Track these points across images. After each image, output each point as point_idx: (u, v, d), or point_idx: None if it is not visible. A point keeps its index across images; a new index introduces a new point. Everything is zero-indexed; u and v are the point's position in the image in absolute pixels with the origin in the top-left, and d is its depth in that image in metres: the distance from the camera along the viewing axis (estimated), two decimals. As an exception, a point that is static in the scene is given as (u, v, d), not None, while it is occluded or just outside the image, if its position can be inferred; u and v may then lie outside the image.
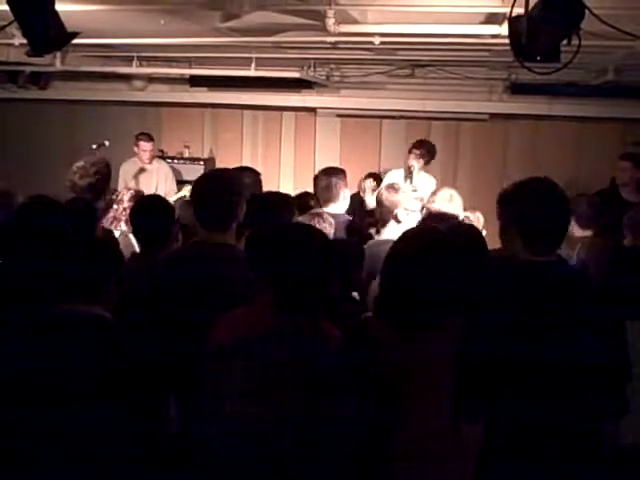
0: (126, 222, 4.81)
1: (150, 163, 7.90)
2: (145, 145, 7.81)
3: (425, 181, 6.59)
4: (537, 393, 2.53)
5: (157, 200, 4.32)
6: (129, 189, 5.58)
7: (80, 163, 4.77)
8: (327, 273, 2.52)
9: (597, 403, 2.59)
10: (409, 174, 6.30)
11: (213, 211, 3.27)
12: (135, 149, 7.85)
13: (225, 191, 3.30)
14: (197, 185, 3.47)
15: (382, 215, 4.53)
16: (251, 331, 2.47)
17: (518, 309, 2.56)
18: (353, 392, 2.47)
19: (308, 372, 2.42)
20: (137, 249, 4.29)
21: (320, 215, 4.39)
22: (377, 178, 7.15)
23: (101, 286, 2.78)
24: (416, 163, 6.56)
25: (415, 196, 5.03)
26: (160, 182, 7.92)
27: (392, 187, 4.65)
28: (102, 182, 4.73)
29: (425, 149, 6.81)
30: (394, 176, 6.67)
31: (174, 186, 7.93)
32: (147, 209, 4.08)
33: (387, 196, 4.52)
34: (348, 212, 5.21)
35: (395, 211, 4.44)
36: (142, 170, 7.81)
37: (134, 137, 7.91)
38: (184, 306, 3.11)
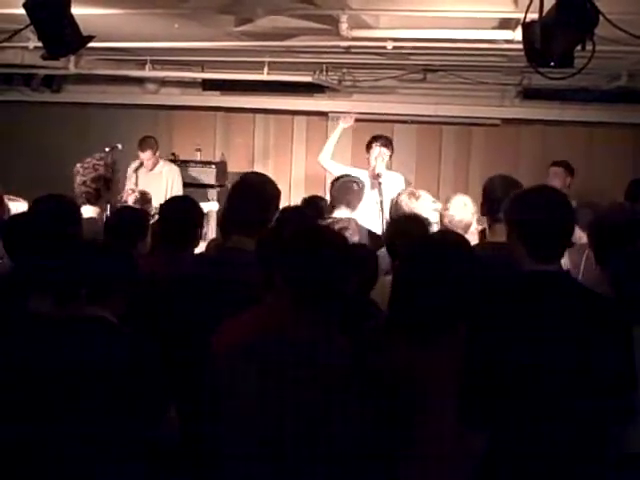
0: None
1: (152, 169, 7.66)
2: (141, 155, 7.52)
3: (393, 181, 6.26)
4: (541, 400, 2.52)
5: (186, 202, 4.30)
6: (133, 191, 5.57)
7: (84, 162, 4.73)
8: (341, 274, 2.52)
9: (604, 409, 2.58)
10: (378, 184, 5.94)
11: (244, 218, 3.28)
12: None
13: (256, 199, 3.31)
14: (233, 191, 3.50)
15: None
16: (263, 332, 2.47)
17: (521, 316, 2.55)
18: (364, 395, 2.47)
19: (319, 374, 2.42)
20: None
21: (344, 222, 4.41)
22: None
23: (109, 290, 2.78)
24: (382, 165, 6.17)
25: (434, 207, 5.04)
26: (168, 186, 7.79)
27: (413, 194, 4.66)
28: (94, 182, 4.65)
29: (383, 138, 6.41)
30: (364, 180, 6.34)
31: (180, 191, 7.74)
32: (175, 210, 4.04)
33: (407, 203, 4.54)
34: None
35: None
36: (149, 172, 7.61)
37: None
38: (204, 309, 3.11)
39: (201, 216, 4.02)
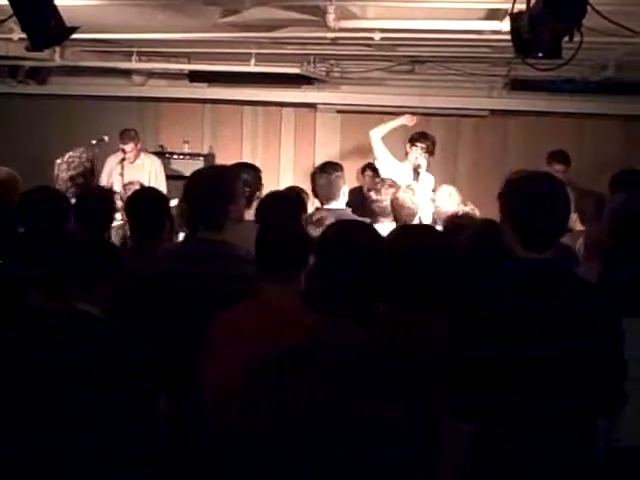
0: None
1: (133, 162, 7.55)
2: (123, 147, 7.44)
3: (427, 180, 6.35)
4: (531, 389, 2.51)
5: (152, 192, 4.31)
6: (132, 183, 5.57)
7: (65, 157, 4.77)
8: (373, 276, 2.46)
9: (594, 398, 2.57)
10: (417, 175, 6.08)
11: (207, 209, 3.27)
12: None
13: (218, 189, 3.28)
14: (191, 183, 3.45)
15: (401, 217, 4.59)
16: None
17: (509, 305, 2.53)
18: (394, 394, 2.44)
19: (347, 373, 2.38)
20: None
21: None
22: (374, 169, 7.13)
23: (93, 283, 2.76)
24: (423, 161, 6.27)
25: (430, 197, 5.09)
26: (152, 177, 7.73)
27: (411, 189, 4.73)
28: (83, 177, 4.71)
29: (430, 141, 6.45)
30: (400, 171, 6.35)
31: (162, 184, 7.65)
32: (143, 200, 4.05)
33: (410, 198, 4.58)
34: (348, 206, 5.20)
35: (419, 213, 4.57)
36: (130, 165, 7.45)
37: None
38: (182, 302, 3.12)
39: (167, 207, 4.01)
